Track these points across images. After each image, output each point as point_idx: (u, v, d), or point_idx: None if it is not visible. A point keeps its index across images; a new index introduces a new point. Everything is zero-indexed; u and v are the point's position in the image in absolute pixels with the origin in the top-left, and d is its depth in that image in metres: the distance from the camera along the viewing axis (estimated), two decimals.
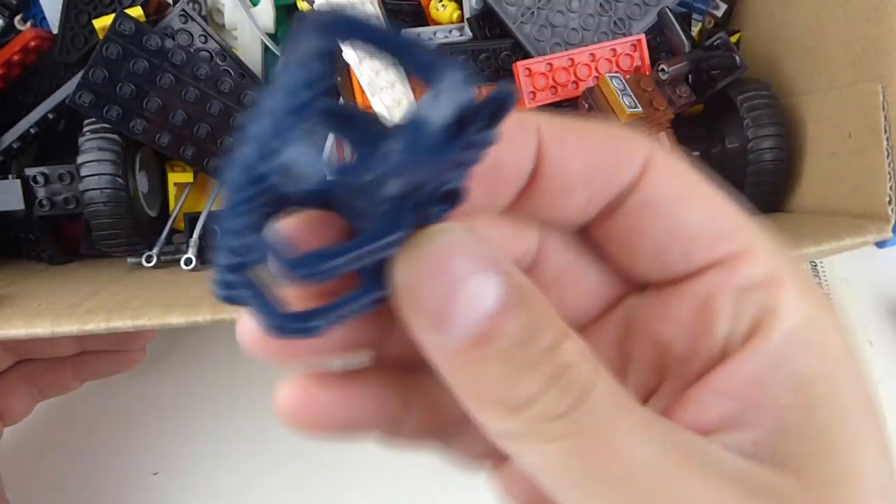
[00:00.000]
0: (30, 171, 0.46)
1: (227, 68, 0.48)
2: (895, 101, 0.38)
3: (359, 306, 0.16)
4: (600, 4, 0.50)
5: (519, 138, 0.18)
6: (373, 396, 0.19)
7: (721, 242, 0.18)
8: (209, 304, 0.35)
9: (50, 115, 0.47)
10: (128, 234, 0.45)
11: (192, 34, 0.47)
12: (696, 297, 0.18)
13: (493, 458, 0.21)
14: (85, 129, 0.44)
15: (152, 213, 0.48)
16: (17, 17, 0.52)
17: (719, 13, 0.55)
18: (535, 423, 0.15)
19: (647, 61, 0.49)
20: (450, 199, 0.16)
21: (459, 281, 0.15)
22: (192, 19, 0.47)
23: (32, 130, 0.48)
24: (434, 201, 0.16)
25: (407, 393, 0.20)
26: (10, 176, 0.45)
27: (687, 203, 0.18)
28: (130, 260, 0.47)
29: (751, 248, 0.18)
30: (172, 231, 0.49)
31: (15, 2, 0.52)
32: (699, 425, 0.17)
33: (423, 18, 0.53)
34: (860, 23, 0.41)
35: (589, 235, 0.20)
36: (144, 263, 0.46)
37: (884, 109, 0.39)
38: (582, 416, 0.15)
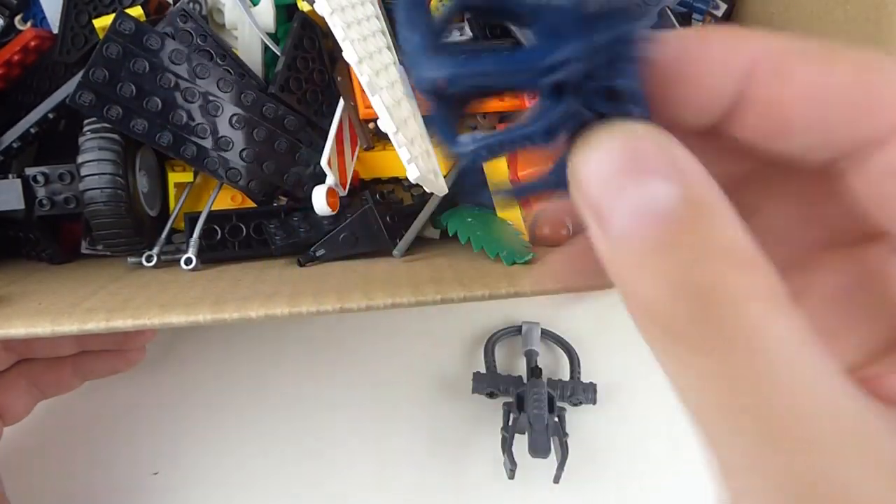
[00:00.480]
0: (30, 171, 0.46)
1: (227, 68, 0.48)
2: None
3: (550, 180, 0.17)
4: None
5: (718, 61, 0.16)
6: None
7: None
8: (209, 303, 0.35)
9: (50, 115, 0.47)
10: (128, 233, 0.45)
11: (192, 33, 0.47)
12: None
13: None
14: (85, 128, 0.44)
15: (152, 213, 0.48)
16: (18, 17, 0.52)
17: (719, 13, 0.55)
18: (676, 342, 0.15)
19: None
20: (631, 99, 0.16)
21: (636, 178, 0.15)
22: (193, 19, 0.47)
23: (32, 130, 0.48)
24: (614, 98, 0.16)
25: None
26: (10, 175, 0.45)
27: None
28: (131, 259, 0.47)
29: None
30: (172, 231, 0.49)
31: (15, 2, 0.51)
32: None
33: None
34: (860, 23, 0.41)
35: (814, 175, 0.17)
36: (145, 263, 0.46)
37: None
38: (730, 356, 0.14)
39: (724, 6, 0.55)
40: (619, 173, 0.15)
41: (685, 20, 0.54)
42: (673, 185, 0.14)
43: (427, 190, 0.41)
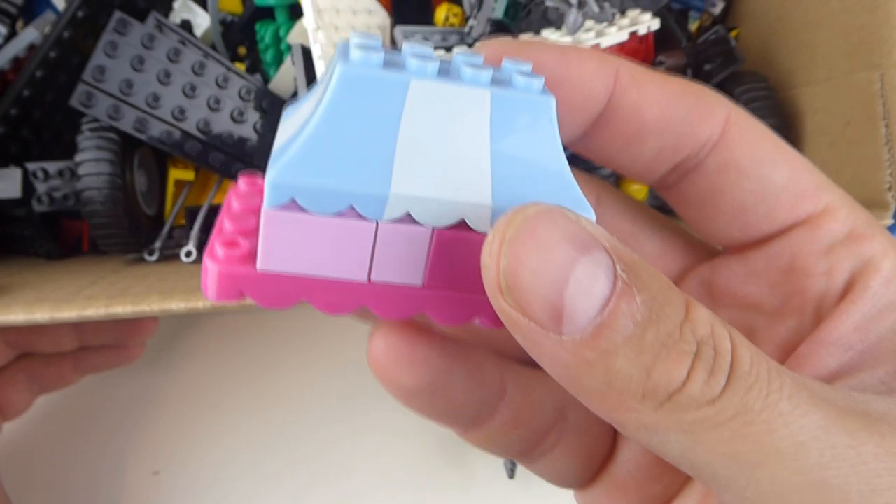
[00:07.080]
0: (31, 166, 0.46)
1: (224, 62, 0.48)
2: (893, 88, 0.39)
3: None
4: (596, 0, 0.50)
5: (593, 70, 0.18)
6: (473, 368, 0.18)
7: (803, 202, 0.18)
8: None
9: (26, 92, 0.46)
10: (125, 233, 0.45)
11: (192, 26, 0.47)
12: (781, 257, 0.18)
13: (579, 481, 0.21)
14: (83, 127, 0.45)
15: (150, 212, 0.48)
16: (19, 23, 0.52)
17: (717, 10, 0.55)
18: (688, 411, 0.14)
19: (652, 56, 0.49)
20: None
21: (568, 268, 0.13)
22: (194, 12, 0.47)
23: (25, 93, 0.46)
24: None
25: (505, 381, 0.19)
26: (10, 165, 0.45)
27: (770, 164, 0.18)
28: (130, 255, 0.47)
29: (833, 206, 0.18)
30: (172, 228, 0.49)
31: (15, 10, 0.51)
32: (820, 377, 0.17)
33: (429, 18, 0.52)
34: (856, 12, 0.41)
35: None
36: (147, 257, 0.46)
37: (882, 97, 0.39)
38: (739, 395, 0.14)
39: (721, 4, 0.55)
40: (567, 260, 0.14)
41: (682, 17, 0.55)
42: (607, 256, 0.14)
43: None
